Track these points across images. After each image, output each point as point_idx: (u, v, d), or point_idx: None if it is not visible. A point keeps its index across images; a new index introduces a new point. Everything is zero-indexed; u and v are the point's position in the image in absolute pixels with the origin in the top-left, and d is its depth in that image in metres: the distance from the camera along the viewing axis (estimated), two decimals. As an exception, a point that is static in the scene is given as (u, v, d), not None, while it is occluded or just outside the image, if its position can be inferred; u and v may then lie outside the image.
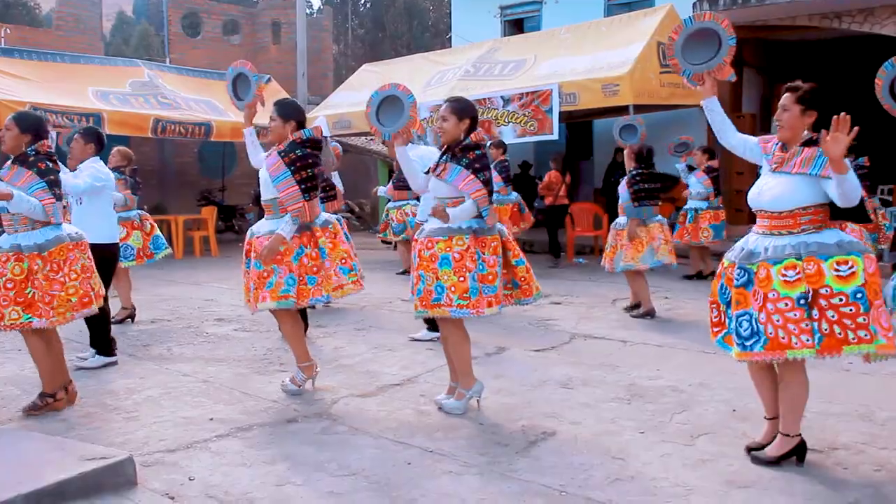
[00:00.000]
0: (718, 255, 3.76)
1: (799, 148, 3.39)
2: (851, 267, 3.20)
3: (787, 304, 3.24)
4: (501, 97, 10.64)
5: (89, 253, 4.43)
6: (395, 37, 34.29)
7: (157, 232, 7.48)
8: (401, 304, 7.99)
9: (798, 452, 3.45)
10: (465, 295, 4.06)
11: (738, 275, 3.43)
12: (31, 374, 4.83)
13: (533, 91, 10.41)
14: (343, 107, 13.33)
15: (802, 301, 3.22)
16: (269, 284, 4.44)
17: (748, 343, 3.35)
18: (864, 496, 3.13)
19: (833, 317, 3.20)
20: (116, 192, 6.91)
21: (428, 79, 12.58)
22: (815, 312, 3.22)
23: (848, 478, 3.32)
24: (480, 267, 4.11)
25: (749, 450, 3.58)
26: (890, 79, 3.72)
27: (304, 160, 4.47)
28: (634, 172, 6.94)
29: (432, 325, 6.02)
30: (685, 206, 9.35)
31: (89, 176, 5.50)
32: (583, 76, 10.13)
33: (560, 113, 10.37)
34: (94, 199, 5.56)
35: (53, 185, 4.22)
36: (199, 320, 7.21)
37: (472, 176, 4.11)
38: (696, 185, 9.22)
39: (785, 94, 3.45)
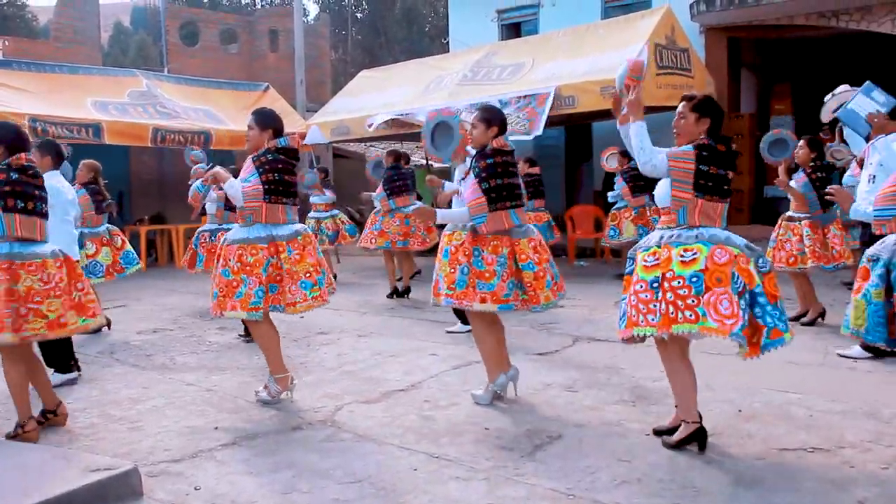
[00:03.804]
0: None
1: None
2: (694, 254, 3.45)
3: (642, 287, 3.56)
4: (499, 101, 10.63)
5: (47, 273, 3.94)
6: (392, 43, 34.34)
7: (129, 247, 7.41)
8: (402, 311, 7.99)
9: (697, 439, 3.62)
10: (452, 285, 4.34)
11: (628, 263, 3.79)
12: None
13: (530, 94, 10.41)
14: (341, 113, 13.33)
15: (655, 284, 3.51)
16: (238, 294, 4.45)
17: (620, 322, 3.73)
18: (871, 494, 3.12)
19: (670, 297, 3.44)
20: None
21: (426, 84, 12.58)
22: (660, 294, 3.49)
23: (855, 476, 3.31)
24: (477, 263, 4.30)
25: (655, 432, 3.85)
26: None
27: (274, 164, 4.52)
28: None
29: (464, 317, 6.28)
30: None
31: None
32: (581, 79, 10.13)
33: (559, 116, 10.37)
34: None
35: (16, 197, 3.89)
36: (202, 329, 7.20)
37: (476, 184, 4.31)
38: None
39: (681, 103, 3.72)
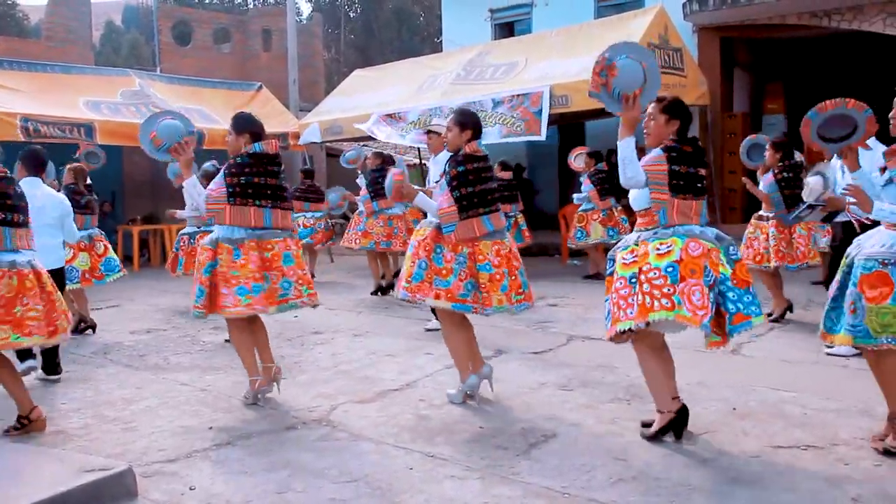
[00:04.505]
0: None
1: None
2: (669, 246, 3.56)
3: (622, 283, 3.67)
4: (492, 100, 10.64)
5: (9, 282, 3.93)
6: (385, 42, 34.30)
7: (111, 254, 7.28)
8: (398, 310, 7.98)
9: (673, 428, 3.73)
10: (409, 279, 4.39)
11: (608, 264, 3.87)
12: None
13: (523, 93, 10.41)
14: (335, 113, 13.32)
15: (633, 279, 3.62)
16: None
17: (606, 322, 3.79)
18: (865, 491, 3.13)
19: (646, 289, 3.55)
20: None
21: (419, 83, 12.58)
22: (637, 288, 3.59)
23: (849, 473, 3.32)
24: (437, 259, 4.35)
25: (643, 425, 3.91)
26: (816, 124, 3.88)
27: (241, 167, 4.49)
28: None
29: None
30: None
31: None
32: (574, 78, 10.13)
33: (551, 115, 10.38)
34: None
35: None
36: (196, 329, 7.17)
37: (448, 193, 4.35)
38: None
39: (652, 105, 3.79)
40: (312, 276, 9.96)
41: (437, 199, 4.44)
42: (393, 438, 3.95)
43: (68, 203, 5.71)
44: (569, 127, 13.98)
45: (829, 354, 5.36)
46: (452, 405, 4.49)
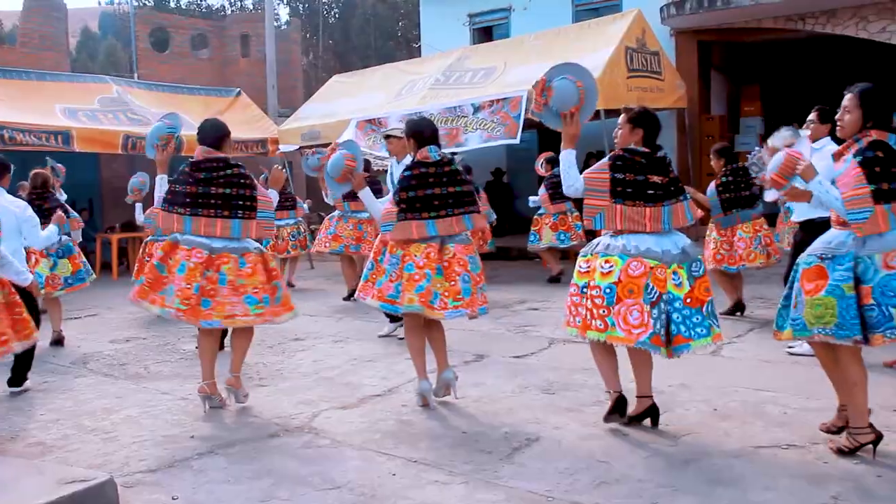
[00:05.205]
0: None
1: None
2: (611, 266, 3.76)
3: (575, 290, 3.90)
4: (472, 104, 10.66)
5: None
6: (364, 48, 34.27)
7: (39, 269, 6.66)
8: (378, 315, 7.95)
9: (618, 409, 3.97)
10: (360, 279, 4.67)
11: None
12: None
13: (503, 98, 10.45)
14: (313, 118, 13.29)
15: (584, 290, 3.84)
16: None
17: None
18: (845, 489, 3.16)
19: (589, 305, 3.79)
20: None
21: (398, 88, 12.58)
22: (586, 300, 3.82)
23: (829, 472, 3.36)
24: (381, 260, 4.52)
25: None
26: None
27: (179, 174, 4.61)
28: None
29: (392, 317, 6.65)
30: None
31: None
32: (553, 82, 10.17)
33: (531, 119, 10.40)
34: None
35: None
36: (176, 337, 7.12)
37: (393, 195, 4.53)
38: None
39: (621, 116, 4.02)
40: (291, 284, 9.96)
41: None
42: (376, 444, 3.95)
43: (25, 210, 5.51)
44: (548, 131, 13.97)
45: (791, 354, 5.42)
46: (435, 410, 4.49)
